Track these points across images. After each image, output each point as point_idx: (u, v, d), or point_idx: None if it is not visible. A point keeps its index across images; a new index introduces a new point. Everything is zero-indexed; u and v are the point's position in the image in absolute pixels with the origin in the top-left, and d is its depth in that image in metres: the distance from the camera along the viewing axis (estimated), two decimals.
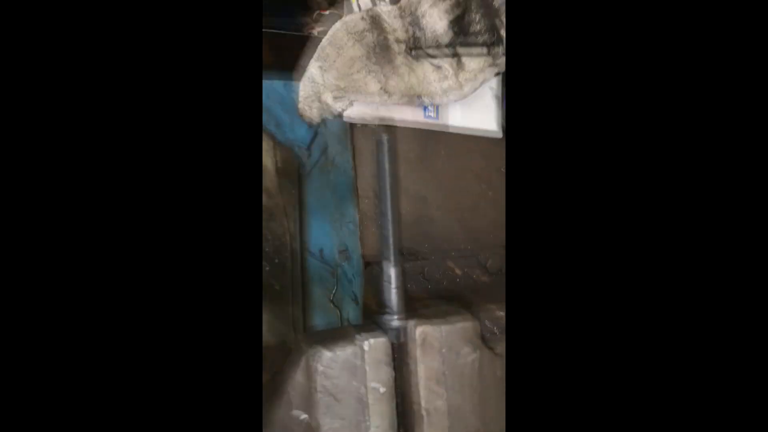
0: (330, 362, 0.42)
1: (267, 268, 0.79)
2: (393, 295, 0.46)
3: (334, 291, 1.22)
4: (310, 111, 0.81)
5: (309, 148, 1.51)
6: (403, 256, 0.88)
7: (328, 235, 1.20)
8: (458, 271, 0.93)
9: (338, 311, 1.24)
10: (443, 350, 0.47)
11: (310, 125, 0.82)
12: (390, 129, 0.79)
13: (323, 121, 1.21)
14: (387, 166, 0.44)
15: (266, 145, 0.78)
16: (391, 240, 0.45)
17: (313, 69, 0.76)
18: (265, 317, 0.58)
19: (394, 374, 0.47)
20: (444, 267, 0.89)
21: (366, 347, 0.43)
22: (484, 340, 0.62)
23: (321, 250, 1.41)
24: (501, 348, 0.63)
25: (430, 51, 0.73)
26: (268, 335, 0.58)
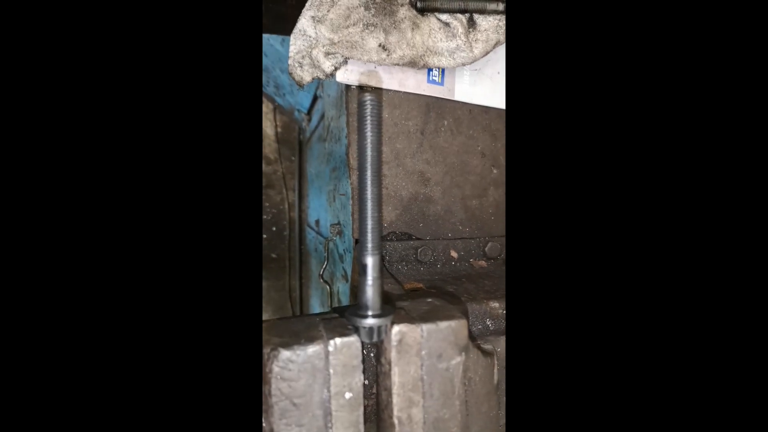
0: (287, 363, 0.36)
1: (264, 236, 0.76)
2: (368, 289, 0.39)
3: (324, 266, 1.17)
4: (301, 69, 0.72)
5: (309, 113, 1.41)
6: (396, 236, 0.81)
7: (323, 207, 1.13)
8: (455, 254, 0.87)
9: (328, 287, 1.19)
10: (423, 353, 0.41)
11: (299, 86, 0.73)
12: (377, 90, 0.70)
13: (320, 83, 1.11)
14: (368, 134, 0.37)
15: (265, 108, 0.71)
16: (369, 223, 0.38)
17: (304, 20, 0.67)
18: (263, 285, 0.55)
19: (364, 378, 0.41)
20: (440, 249, 0.83)
21: (331, 348, 0.37)
22: (474, 338, 0.56)
23: (317, 221, 1.33)
24: (495, 345, 0.57)
25: (438, 4, 0.63)
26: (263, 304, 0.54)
